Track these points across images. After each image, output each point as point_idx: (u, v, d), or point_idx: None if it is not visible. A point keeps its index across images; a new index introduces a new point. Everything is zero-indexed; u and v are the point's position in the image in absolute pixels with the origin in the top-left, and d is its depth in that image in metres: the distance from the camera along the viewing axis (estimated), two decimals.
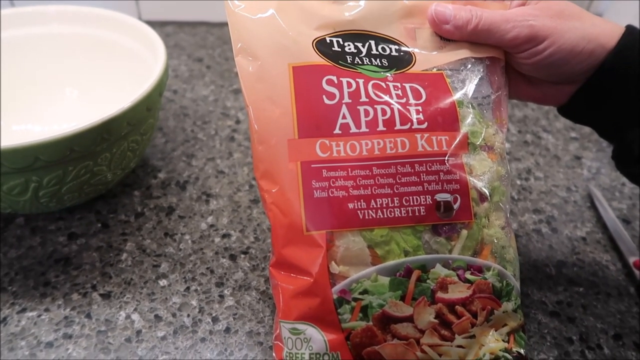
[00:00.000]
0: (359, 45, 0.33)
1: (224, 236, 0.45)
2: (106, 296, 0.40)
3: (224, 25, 0.76)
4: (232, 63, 0.68)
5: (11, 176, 0.38)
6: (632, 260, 0.44)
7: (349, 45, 0.33)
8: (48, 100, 0.53)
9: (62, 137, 0.36)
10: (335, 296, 0.29)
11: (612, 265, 0.44)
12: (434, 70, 0.33)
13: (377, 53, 0.33)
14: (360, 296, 0.29)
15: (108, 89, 0.52)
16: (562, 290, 0.42)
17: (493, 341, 0.30)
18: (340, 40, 0.33)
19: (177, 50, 0.70)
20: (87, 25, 0.53)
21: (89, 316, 0.39)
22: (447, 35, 0.34)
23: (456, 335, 0.30)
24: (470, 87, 0.33)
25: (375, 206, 0.29)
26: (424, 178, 0.30)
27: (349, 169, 0.30)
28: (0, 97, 0.51)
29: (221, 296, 0.41)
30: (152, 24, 0.50)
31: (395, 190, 0.30)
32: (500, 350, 0.30)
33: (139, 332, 0.38)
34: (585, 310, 0.41)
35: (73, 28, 0.53)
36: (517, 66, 0.35)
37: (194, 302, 0.40)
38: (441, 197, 0.30)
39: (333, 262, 0.29)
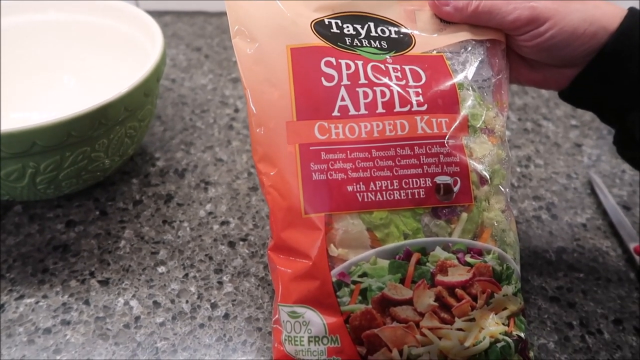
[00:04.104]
0: (358, 27, 0.33)
1: (222, 223, 0.45)
2: (104, 283, 0.40)
3: (222, 14, 0.75)
4: (231, 52, 0.68)
5: (8, 161, 0.37)
6: (632, 246, 0.43)
7: (347, 27, 0.33)
8: (46, 88, 0.53)
9: (59, 122, 0.36)
10: (334, 279, 0.29)
11: (612, 251, 0.44)
12: (434, 53, 0.33)
13: (377, 35, 0.33)
14: (359, 279, 0.29)
15: (106, 76, 0.52)
16: (562, 275, 0.42)
17: (493, 324, 0.30)
18: (339, 21, 0.33)
19: (175, 40, 0.70)
20: (84, 13, 0.52)
21: (87, 302, 0.39)
22: (447, 17, 0.34)
23: (456, 319, 0.29)
24: (470, 70, 0.32)
25: (374, 189, 0.29)
26: (423, 160, 0.30)
27: (348, 152, 0.29)
28: None
29: (220, 282, 0.40)
30: (150, 14, 0.49)
31: (395, 173, 0.29)
32: (500, 333, 0.30)
33: (137, 318, 0.38)
34: (586, 296, 0.40)
35: (71, 16, 0.52)
36: (518, 49, 0.35)
37: (193, 289, 0.40)
38: (441, 179, 0.30)
39: (332, 245, 0.29)
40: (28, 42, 0.52)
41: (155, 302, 0.39)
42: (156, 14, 0.58)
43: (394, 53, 0.32)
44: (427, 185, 0.29)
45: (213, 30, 0.72)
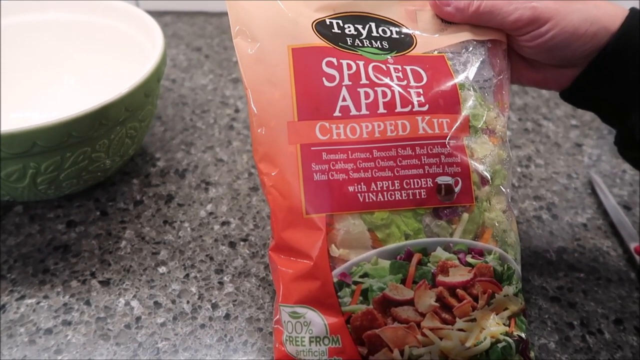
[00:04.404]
0: (359, 27, 0.33)
1: (223, 224, 0.45)
2: (105, 283, 0.40)
3: (222, 14, 0.75)
4: (231, 52, 0.67)
5: (9, 162, 0.37)
6: (632, 246, 0.43)
7: (349, 27, 0.33)
8: (46, 88, 0.53)
9: (60, 122, 0.36)
10: (335, 279, 0.29)
11: (613, 251, 0.44)
12: (435, 53, 0.33)
13: (378, 35, 0.33)
14: (360, 279, 0.29)
15: (106, 76, 0.51)
16: (563, 275, 0.42)
17: (494, 325, 0.30)
18: (340, 22, 0.33)
19: (175, 40, 0.70)
20: (84, 12, 0.52)
21: (88, 303, 0.39)
22: (448, 17, 0.34)
23: (457, 319, 0.29)
24: (471, 70, 0.32)
25: (375, 189, 0.29)
26: (424, 161, 0.30)
27: (349, 152, 0.29)
28: None
29: (221, 283, 0.40)
30: (150, 14, 0.49)
31: (396, 173, 0.29)
32: (501, 333, 0.30)
33: (138, 318, 0.38)
34: (586, 296, 0.40)
35: (71, 15, 0.52)
36: (519, 49, 0.35)
37: (194, 289, 0.40)
38: (442, 180, 0.30)
39: (333, 246, 0.29)
40: (28, 42, 0.52)
41: (156, 303, 0.39)
42: (156, 14, 0.58)
43: (395, 53, 0.32)
44: (429, 185, 0.29)
45: (213, 30, 0.72)
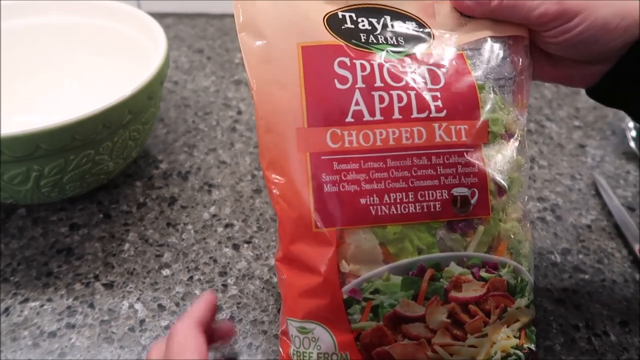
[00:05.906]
0: (374, 21, 0.28)
1: (226, 226, 0.42)
2: (109, 286, 0.37)
3: (224, 16, 0.72)
4: (233, 54, 0.64)
5: (12, 165, 0.34)
6: (637, 247, 0.41)
7: (362, 21, 0.28)
8: (48, 91, 0.49)
9: (63, 125, 0.33)
10: (345, 296, 0.26)
11: (618, 253, 0.41)
12: (454, 50, 0.28)
13: (393, 30, 0.28)
14: (371, 296, 0.26)
15: (108, 79, 0.48)
16: (568, 277, 0.39)
17: (505, 338, 0.27)
18: (353, 15, 0.28)
19: (177, 42, 0.66)
20: (86, 15, 0.48)
21: (92, 306, 0.36)
22: (468, 11, 0.29)
23: (468, 335, 0.26)
24: (491, 69, 0.28)
25: (388, 201, 0.25)
26: (440, 171, 0.26)
27: (362, 161, 0.26)
28: (0, 87, 0.48)
29: (225, 285, 0.38)
30: (152, 16, 0.46)
31: (410, 185, 0.26)
32: (511, 347, 0.27)
33: (142, 321, 0.35)
34: (591, 297, 0.38)
35: (73, 18, 0.48)
36: (543, 45, 0.30)
37: (198, 292, 0.37)
38: (458, 191, 0.26)
39: (343, 261, 0.26)
40: (30, 44, 0.48)
41: (160, 305, 0.36)
42: (158, 16, 0.55)
43: (412, 50, 0.28)
44: (444, 197, 0.26)
45: (215, 32, 0.68)
